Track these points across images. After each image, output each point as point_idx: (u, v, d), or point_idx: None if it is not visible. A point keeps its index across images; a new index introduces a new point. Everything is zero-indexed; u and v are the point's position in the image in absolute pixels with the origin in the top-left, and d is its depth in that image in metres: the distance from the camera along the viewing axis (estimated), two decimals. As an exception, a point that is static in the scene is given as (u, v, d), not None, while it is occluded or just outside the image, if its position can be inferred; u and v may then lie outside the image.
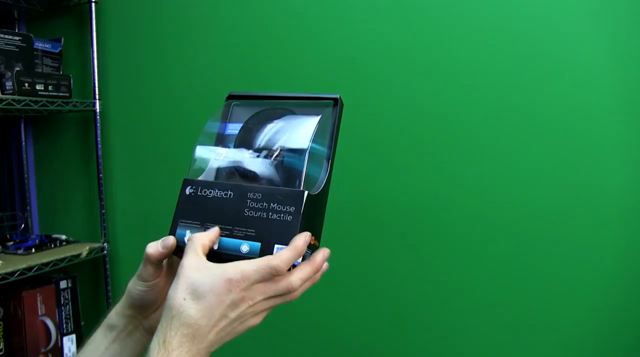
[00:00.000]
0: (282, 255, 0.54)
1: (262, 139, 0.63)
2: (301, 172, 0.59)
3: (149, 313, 0.62)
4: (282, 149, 0.61)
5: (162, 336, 0.50)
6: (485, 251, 1.12)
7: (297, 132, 0.61)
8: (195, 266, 0.53)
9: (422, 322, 1.20)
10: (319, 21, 1.26)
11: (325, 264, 0.59)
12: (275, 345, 1.35)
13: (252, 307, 0.53)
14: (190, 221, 0.60)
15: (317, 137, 0.60)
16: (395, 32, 1.18)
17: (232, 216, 0.58)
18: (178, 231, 0.60)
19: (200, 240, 0.55)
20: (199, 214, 0.60)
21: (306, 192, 0.57)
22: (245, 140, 0.64)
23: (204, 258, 0.54)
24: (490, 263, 1.12)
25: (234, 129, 0.65)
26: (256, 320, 0.55)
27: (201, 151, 0.64)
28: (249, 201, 0.58)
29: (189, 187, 0.61)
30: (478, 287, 1.14)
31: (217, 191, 0.60)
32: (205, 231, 0.58)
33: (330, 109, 0.63)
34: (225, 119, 0.67)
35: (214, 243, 0.57)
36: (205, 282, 0.52)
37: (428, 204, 1.17)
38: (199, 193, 0.60)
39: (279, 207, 0.57)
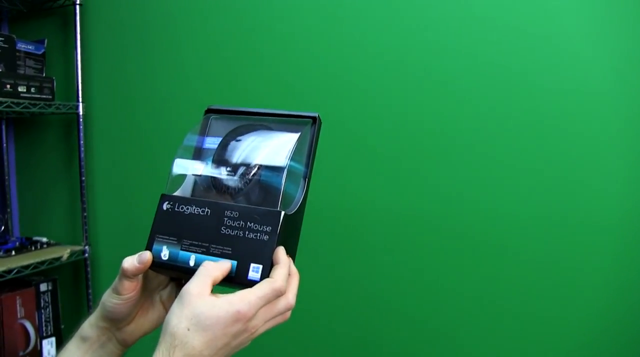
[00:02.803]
0: (280, 275, 0.55)
1: (240, 155, 0.63)
2: (279, 190, 0.59)
3: (122, 325, 0.62)
4: (260, 166, 0.62)
5: None
6: (480, 254, 1.13)
7: (276, 150, 0.62)
8: (200, 295, 0.52)
9: (410, 330, 1.20)
10: (304, 30, 1.26)
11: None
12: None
13: (251, 335, 0.55)
14: (167, 237, 0.60)
15: (295, 154, 0.60)
16: (376, 42, 1.19)
17: (209, 233, 0.58)
18: (155, 247, 0.60)
19: (213, 271, 0.55)
20: (175, 229, 0.60)
21: (283, 213, 0.57)
22: (223, 156, 0.64)
23: (210, 289, 0.54)
24: (485, 266, 1.12)
25: (212, 143, 0.65)
26: (249, 342, 0.56)
27: (179, 165, 0.65)
28: (225, 219, 0.58)
29: (166, 202, 0.61)
30: (474, 290, 1.14)
31: (194, 207, 0.60)
32: (181, 247, 0.59)
33: (308, 126, 0.64)
34: (204, 133, 0.67)
35: (224, 277, 0.56)
36: (212, 314, 0.51)
37: (421, 209, 1.18)
38: (176, 209, 0.61)
39: (255, 227, 0.57)
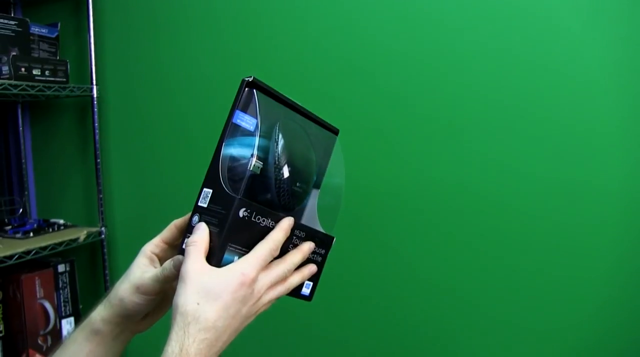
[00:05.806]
0: (272, 237, 0.56)
1: (295, 162, 0.60)
2: (334, 214, 0.64)
3: (139, 319, 0.62)
4: (322, 184, 0.66)
5: (178, 346, 0.49)
6: (483, 251, 1.14)
7: (333, 170, 0.66)
8: (201, 270, 0.52)
9: (413, 324, 1.22)
10: (317, 22, 1.26)
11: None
12: (267, 345, 1.38)
13: (257, 303, 0.55)
14: (239, 247, 0.56)
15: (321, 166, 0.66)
16: (389, 34, 1.18)
17: (281, 249, 0.58)
18: (226, 256, 0.55)
19: (200, 243, 0.54)
20: (248, 240, 0.56)
21: (334, 239, 0.64)
22: (281, 158, 0.59)
23: (205, 261, 0.53)
24: (487, 264, 1.13)
25: (248, 122, 0.58)
26: (253, 318, 0.56)
27: (236, 153, 0.58)
28: (294, 237, 0.60)
29: (244, 209, 0.55)
30: (475, 288, 1.15)
31: (269, 220, 0.57)
32: None
33: (331, 138, 0.68)
34: (245, 107, 0.58)
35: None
36: (219, 282, 0.51)
37: (425, 203, 1.19)
38: (252, 218, 0.56)
39: (315, 248, 0.61)
